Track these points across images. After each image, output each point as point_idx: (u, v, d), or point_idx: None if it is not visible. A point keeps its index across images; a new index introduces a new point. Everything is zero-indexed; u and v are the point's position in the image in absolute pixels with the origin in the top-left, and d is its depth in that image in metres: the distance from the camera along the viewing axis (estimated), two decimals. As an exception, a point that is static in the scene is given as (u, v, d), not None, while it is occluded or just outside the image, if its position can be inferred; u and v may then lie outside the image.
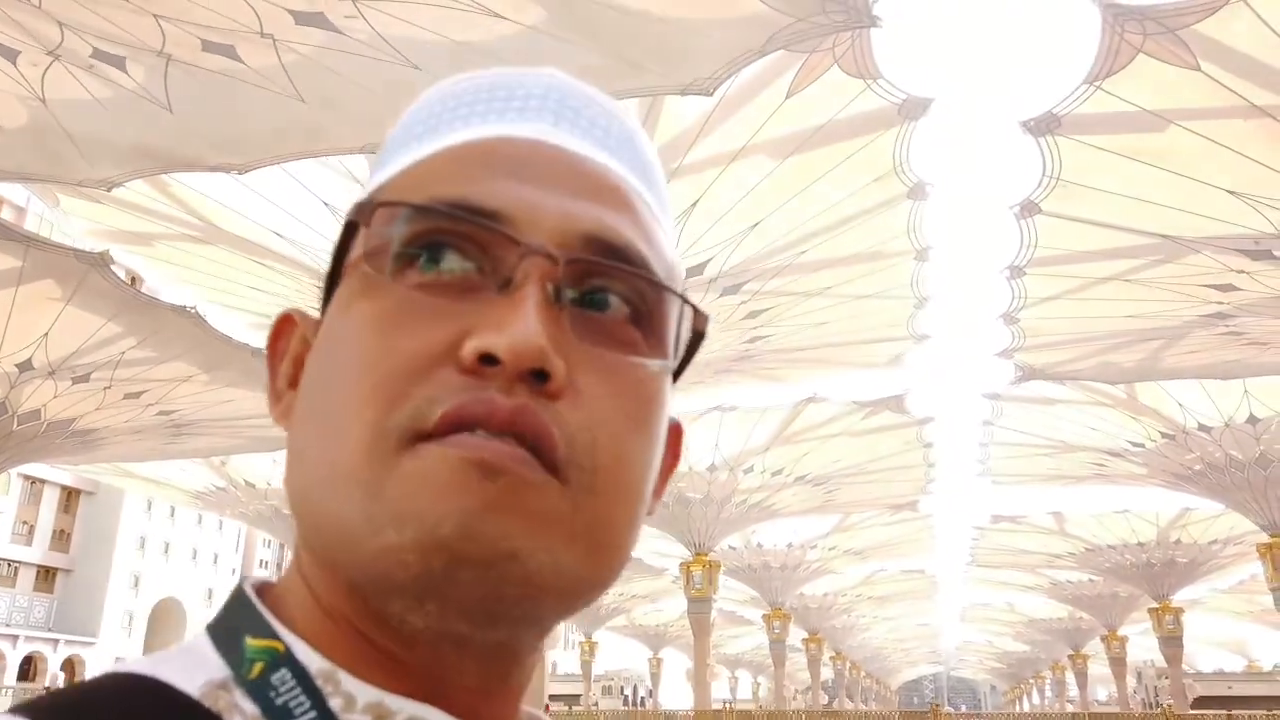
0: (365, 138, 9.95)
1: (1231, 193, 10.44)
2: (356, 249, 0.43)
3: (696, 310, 0.45)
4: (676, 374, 0.46)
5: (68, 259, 13.06)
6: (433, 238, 0.40)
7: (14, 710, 0.35)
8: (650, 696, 57.66)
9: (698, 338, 0.45)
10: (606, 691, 51.66)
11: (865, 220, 12.40)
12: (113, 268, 13.34)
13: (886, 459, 22.18)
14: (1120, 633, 39.55)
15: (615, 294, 0.42)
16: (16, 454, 16.87)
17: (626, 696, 56.06)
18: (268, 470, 23.44)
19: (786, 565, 33.05)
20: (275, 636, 0.40)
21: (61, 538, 42.84)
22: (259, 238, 12.44)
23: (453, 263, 0.40)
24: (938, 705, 24.81)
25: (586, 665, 47.21)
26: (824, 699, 51.73)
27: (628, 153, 0.48)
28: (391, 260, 0.40)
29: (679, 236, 12.21)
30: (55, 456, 18.63)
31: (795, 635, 44.99)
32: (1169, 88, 9.15)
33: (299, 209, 11.73)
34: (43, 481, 41.17)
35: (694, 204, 11.59)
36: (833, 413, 19.86)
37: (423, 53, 8.25)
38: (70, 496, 43.22)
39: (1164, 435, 19.70)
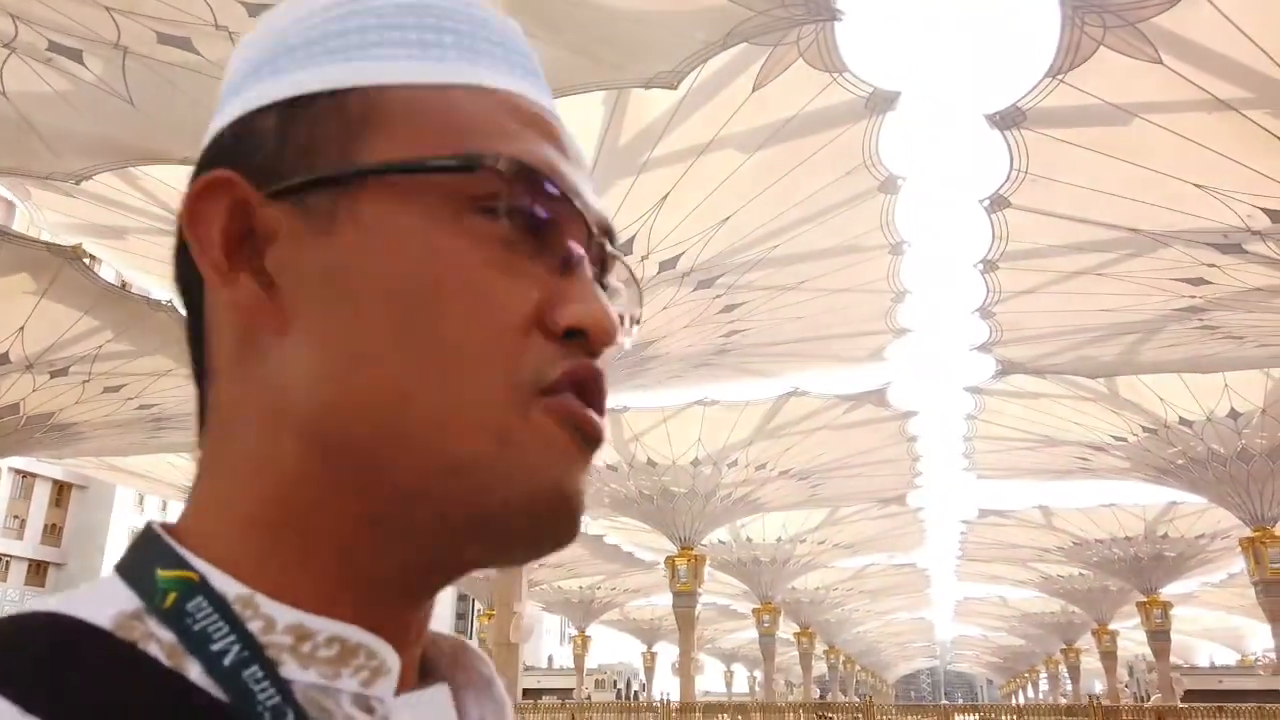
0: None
1: (1199, 186, 10.44)
2: (440, 180, 0.42)
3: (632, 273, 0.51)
4: None
5: (41, 252, 13.06)
6: (533, 202, 0.43)
7: None
8: (644, 690, 57.80)
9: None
10: (600, 685, 51.72)
11: (838, 214, 12.40)
12: (90, 262, 13.35)
13: (870, 453, 22.20)
14: (1111, 627, 39.59)
15: (607, 275, 0.48)
16: (-6, 449, 16.88)
17: (620, 690, 56.18)
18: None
19: (776, 559, 33.08)
20: (188, 567, 0.39)
21: (53, 532, 42.87)
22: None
23: (538, 228, 0.43)
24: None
25: (579, 659, 47.28)
26: (816, 693, 51.86)
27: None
28: (472, 203, 0.42)
29: (650, 230, 12.22)
30: (36, 450, 18.62)
31: (789, 629, 45.13)
32: (1131, 81, 9.15)
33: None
34: (34, 475, 41.18)
35: (664, 198, 11.59)
36: (815, 407, 19.87)
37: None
38: (62, 490, 43.23)
39: (1145, 430, 19.73)
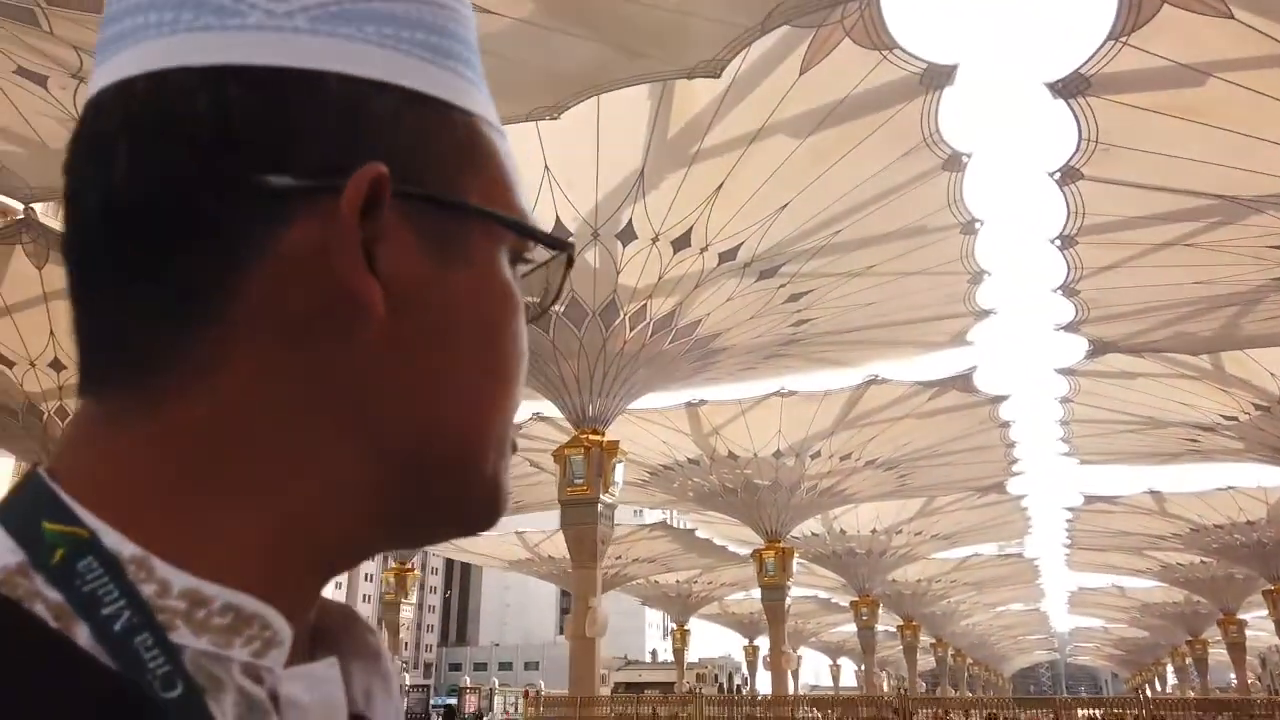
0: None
1: (1288, 146, 9.76)
2: (506, 235, 0.46)
3: None
4: None
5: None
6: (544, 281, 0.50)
7: None
8: (746, 684, 57.51)
9: None
10: (700, 679, 51.73)
11: (901, 196, 12.06)
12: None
13: (960, 440, 21.55)
14: (1240, 616, 37.52)
15: None
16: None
17: (721, 684, 56.11)
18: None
19: (872, 551, 32.51)
20: (78, 522, 0.37)
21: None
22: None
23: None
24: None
25: (679, 653, 47.41)
26: (922, 687, 50.72)
27: None
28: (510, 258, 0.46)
29: (706, 222, 12.13)
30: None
31: (894, 622, 44.25)
32: (1201, 39, 8.60)
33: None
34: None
35: (718, 189, 11.48)
36: (896, 394, 19.39)
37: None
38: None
39: (1257, 407, 18.57)
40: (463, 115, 0.44)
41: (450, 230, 0.43)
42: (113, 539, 0.37)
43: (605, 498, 13.71)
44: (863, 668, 74.67)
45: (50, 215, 12.70)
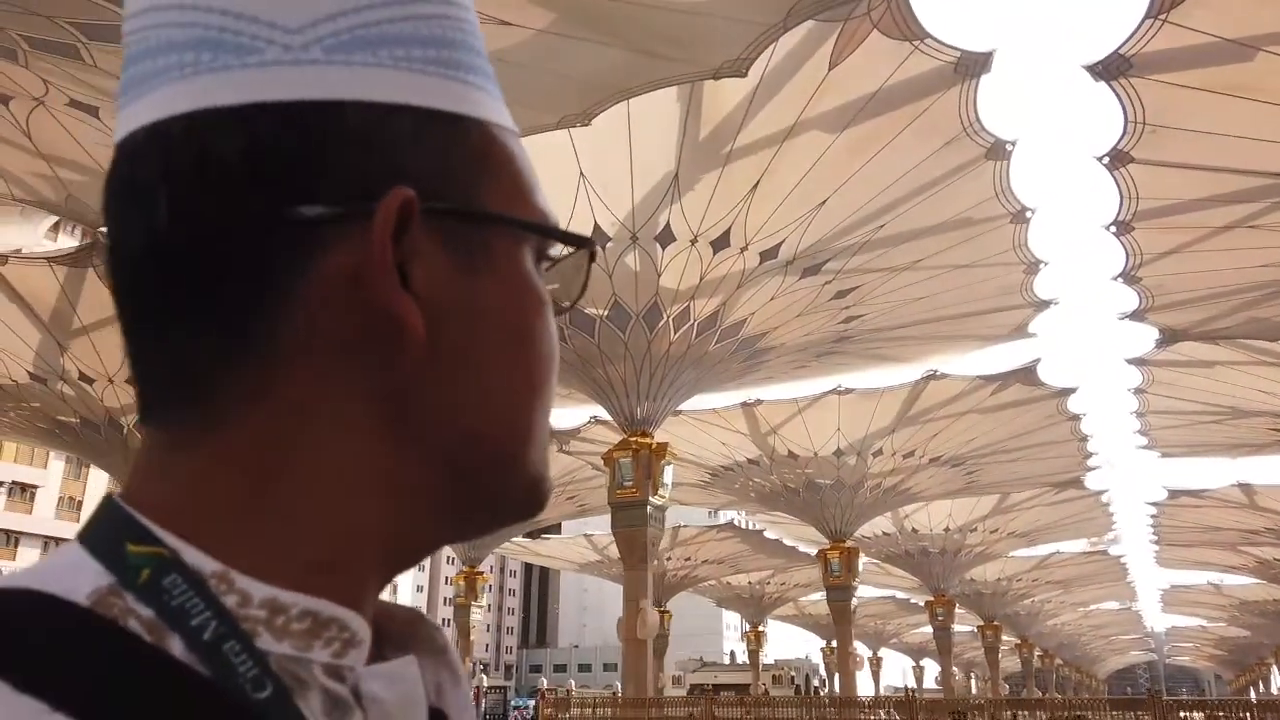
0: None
1: (1350, 119, 9.28)
2: (536, 240, 0.48)
3: None
4: None
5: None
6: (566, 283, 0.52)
7: None
8: (824, 685, 56.76)
9: None
10: (776, 681, 51.25)
11: (945, 187, 11.81)
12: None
13: (1029, 435, 20.96)
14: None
15: None
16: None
17: (799, 686, 55.52)
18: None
19: (946, 550, 31.85)
20: (159, 543, 0.40)
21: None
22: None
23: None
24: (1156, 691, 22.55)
25: (754, 655, 47.11)
26: (1005, 690, 49.37)
27: None
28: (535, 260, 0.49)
29: (745, 222, 12.07)
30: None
31: (974, 623, 43.21)
32: (1245, 11, 8.24)
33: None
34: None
35: (754, 187, 11.42)
36: (957, 389, 18.95)
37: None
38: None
39: (1347, 394, 17.67)
40: (476, 124, 0.45)
41: (475, 240, 0.45)
42: (194, 556, 0.40)
43: (654, 500, 13.74)
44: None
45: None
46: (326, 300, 0.42)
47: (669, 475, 14.19)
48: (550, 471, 0.49)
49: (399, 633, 0.49)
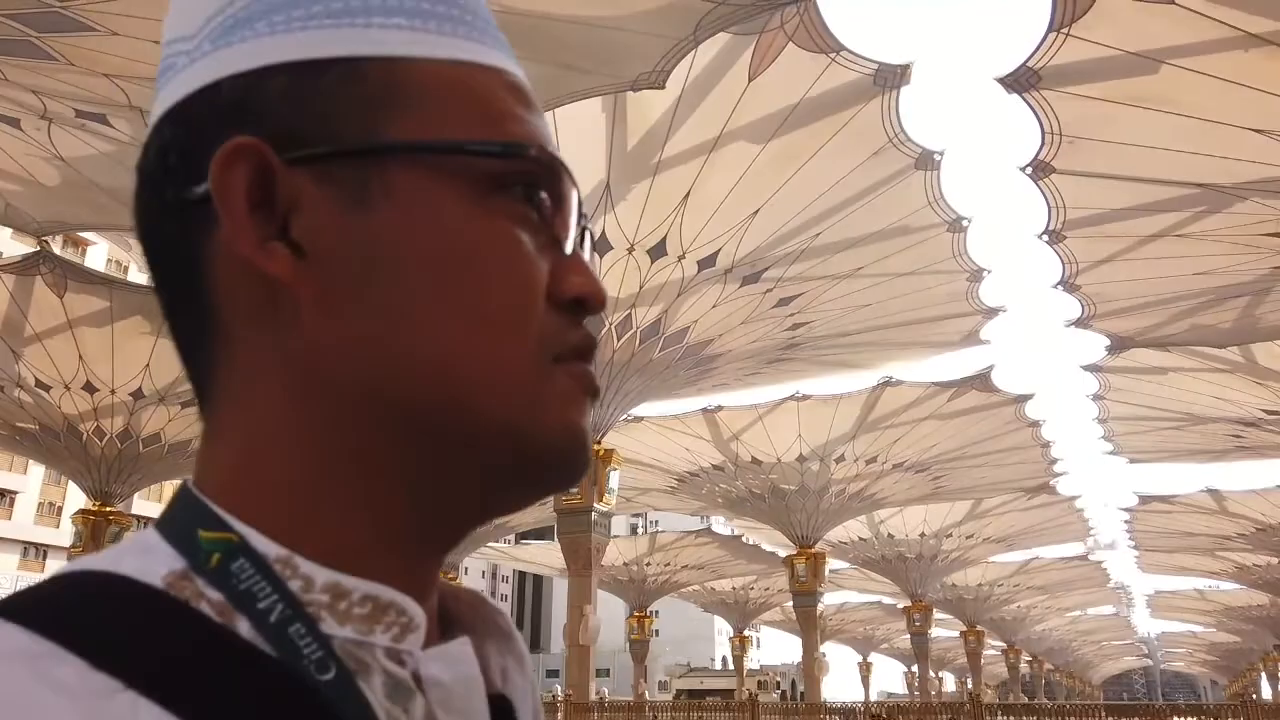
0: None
1: (1260, 131, 9.40)
2: (462, 160, 0.45)
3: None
4: None
5: (147, 296, 14.51)
6: (533, 178, 0.47)
7: None
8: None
9: None
10: (762, 686, 51.27)
11: (877, 196, 11.95)
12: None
13: (990, 441, 21.07)
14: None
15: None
16: (147, 474, 18.79)
17: (784, 691, 55.53)
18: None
19: (922, 555, 31.91)
20: (228, 528, 0.41)
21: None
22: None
23: (542, 206, 0.47)
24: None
25: (739, 660, 47.13)
26: (989, 694, 49.35)
27: None
28: (492, 183, 0.45)
29: (679, 230, 12.20)
30: (182, 475, 20.55)
31: (959, 628, 43.25)
32: (1145, 25, 8.36)
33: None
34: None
35: (685, 197, 11.55)
36: (913, 396, 19.07)
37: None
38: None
39: (1299, 401, 17.76)
40: (378, 63, 0.45)
41: (369, 176, 0.44)
42: (260, 541, 0.41)
43: (599, 506, 13.85)
44: (938, 675, 73.29)
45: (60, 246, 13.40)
46: (225, 274, 0.43)
47: (614, 481, 14.29)
48: (576, 413, 0.46)
49: (463, 615, 0.51)
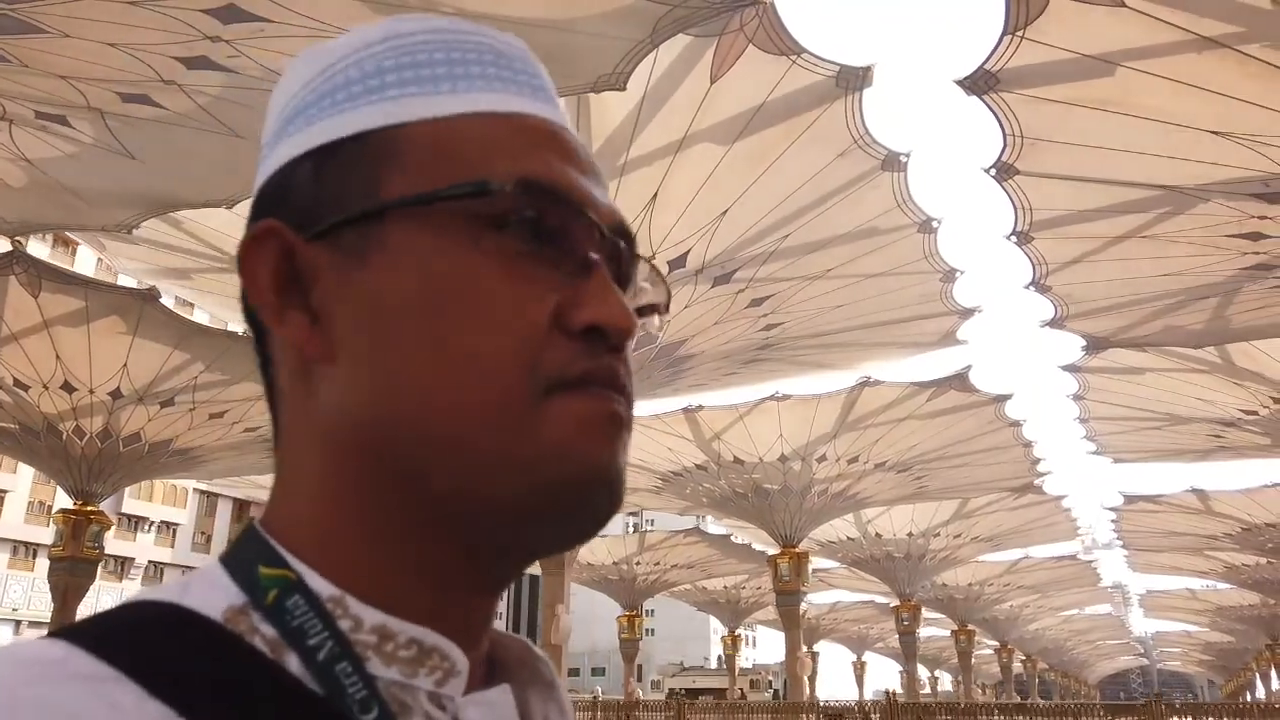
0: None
1: (1216, 133, 9.44)
2: (452, 204, 0.46)
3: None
4: None
5: (123, 297, 14.54)
6: (540, 214, 0.47)
7: (55, 636, 0.39)
8: (804, 689, 56.73)
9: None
10: (754, 685, 51.38)
11: (844, 198, 11.98)
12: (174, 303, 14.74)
13: (971, 441, 21.10)
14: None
15: (629, 269, 0.52)
16: (127, 474, 18.81)
17: (777, 690, 55.61)
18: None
19: (910, 555, 31.97)
20: (286, 566, 0.44)
21: (236, 546, 46.97)
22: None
23: (549, 236, 0.47)
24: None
25: (730, 659, 47.23)
26: (980, 693, 49.37)
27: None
28: (488, 222, 0.46)
29: (648, 232, 12.24)
30: (164, 474, 20.59)
31: (950, 627, 43.30)
32: (1098, 29, 8.39)
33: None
34: (216, 495, 45.39)
35: (652, 198, 11.58)
36: (893, 396, 19.11)
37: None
38: (242, 508, 47.38)
39: (1276, 400, 17.81)
40: (380, 131, 0.48)
41: (368, 236, 0.47)
42: (315, 580, 0.43)
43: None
44: (935, 674, 73.29)
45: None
46: (273, 340, 0.50)
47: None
48: (580, 442, 0.45)
49: (509, 662, 0.51)
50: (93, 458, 17.79)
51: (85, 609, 40.33)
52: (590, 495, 0.45)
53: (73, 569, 18.00)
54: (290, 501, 0.47)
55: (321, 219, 0.47)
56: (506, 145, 0.48)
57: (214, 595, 0.43)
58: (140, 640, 0.39)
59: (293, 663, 0.41)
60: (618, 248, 0.50)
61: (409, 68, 0.49)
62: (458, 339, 0.44)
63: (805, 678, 58.42)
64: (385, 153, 0.47)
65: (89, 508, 18.23)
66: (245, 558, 0.45)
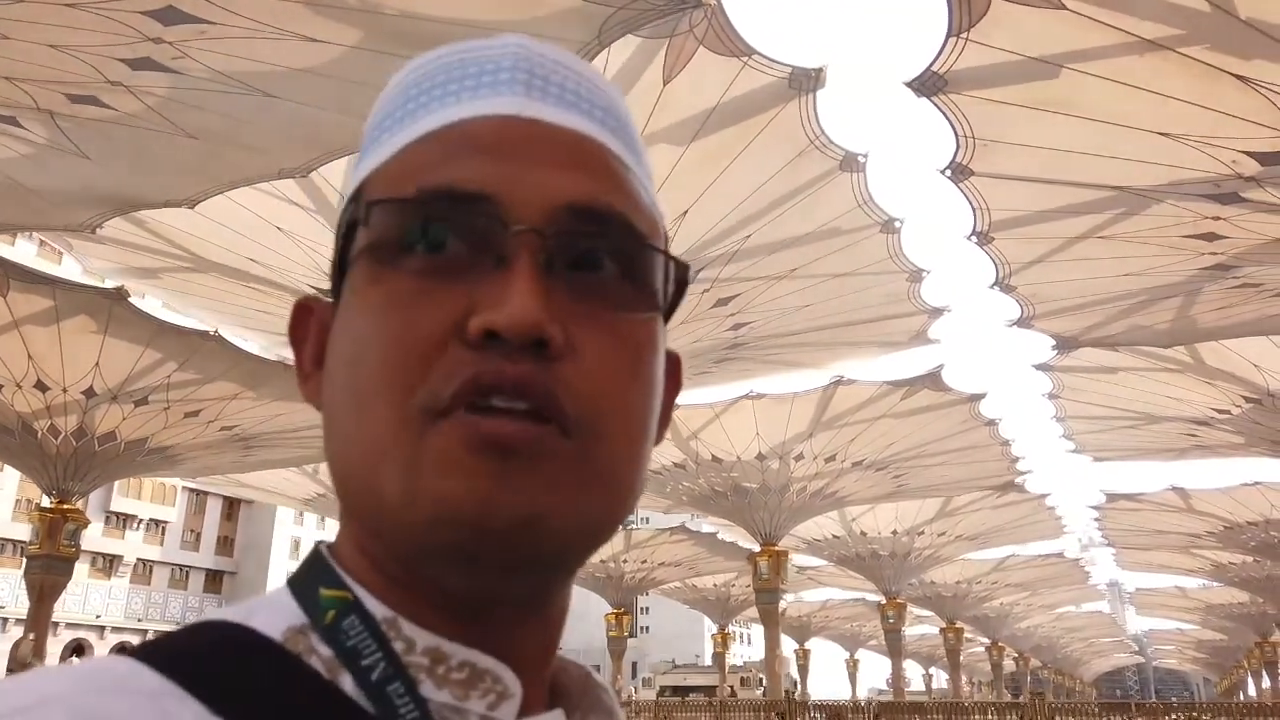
0: (277, 164, 10.62)
1: (1165, 135, 9.48)
2: (359, 242, 0.46)
3: (677, 261, 0.49)
4: (666, 316, 0.50)
5: (92, 296, 14.58)
6: (427, 225, 0.44)
7: (125, 652, 0.40)
8: (796, 687, 56.87)
9: (681, 283, 0.49)
10: (744, 683, 51.44)
11: (804, 198, 12.02)
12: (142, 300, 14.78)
13: (948, 439, 21.16)
14: (1302, 618, 35.84)
15: (604, 254, 0.46)
16: (104, 472, 18.85)
17: (767, 688, 55.65)
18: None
19: (895, 553, 32.05)
20: (345, 587, 0.45)
21: (225, 544, 47.20)
22: (239, 264, 13.43)
23: (449, 246, 0.44)
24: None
25: (720, 657, 47.26)
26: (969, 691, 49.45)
27: (600, 113, 0.50)
28: (393, 250, 0.44)
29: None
30: (141, 472, 20.64)
31: (939, 625, 43.38)
32: (1040, 31, 8.43)
33: (259, 234, 12.59)
34: (205, 493, 45.44)
35: (611, 198, 11.61)
36: (867, 395, 19.16)
37: (268, 82, 8.77)
38: (231, 506, 47.49)
39: (1248, 400, 17.86)
40: (369, 176, 0.49)
41: (343, 289, 0.48)
42: (372, 602, 0.44)
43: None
44: (930, 671, 73.32)
45: None
46: None
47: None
48: (455, 478, 0.41)
49: (569, 688, 0.51)
50: (68, 456, 17.83)
51: (74, 606, 40.49)
52: (471, 540, 0.41)
53: (49, 567, 18.04)
54: (350, 527, 0.48)
55: (333, 279, 0.49)
56: (428, 162, 0.46)
57: (276, 616, 0.44)
58: (203, 659, 0.40)
59: (347, 683, 0.41)
60: (571, 232, 0.44)
61: (389, 115, 0.49)
62: (351, 385, 0.44)
63: (785, 675, 58.49)
64: (358, 201, 0.47)
65: (66, 506, 18.28)
66: (309, 580, 0.46)
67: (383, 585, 0.45)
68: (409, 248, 0.44)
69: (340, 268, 0.48)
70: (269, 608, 0.44)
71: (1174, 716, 20.77)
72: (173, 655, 0.40)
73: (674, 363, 0.53)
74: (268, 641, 0.42)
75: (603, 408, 0.43)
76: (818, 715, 22.31)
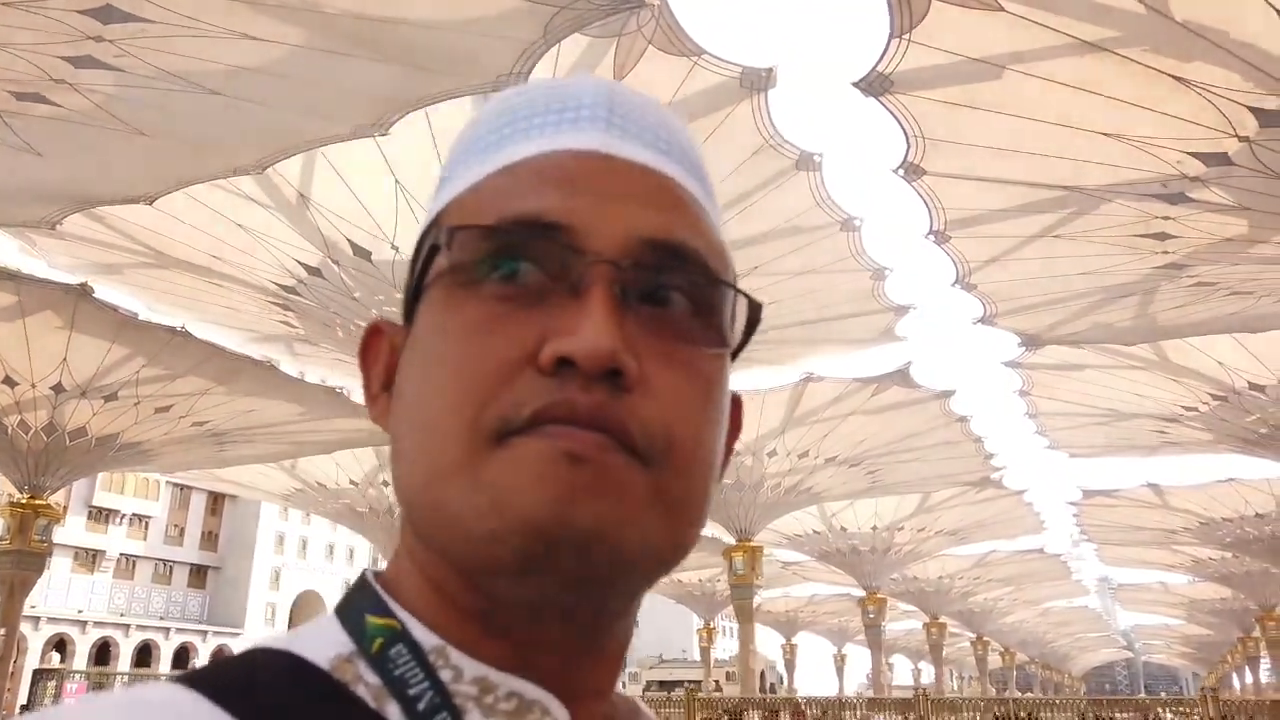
0: (231, 161, 10.65)
1: (1109, 135, 9.56)
2: (437, 267, 0.47)
3: (749, 298, 0.49)
4: (736, 353, 0.50)
5: (55, 292, 14.58)
6: (507, 252, 0.45)
7: (176, 680, 0.40)
8: (782, 683, 57.04)
9: (753, 321, 0.50)
10: (729, 678, 51.60)
11: (761, 197, 12.08)
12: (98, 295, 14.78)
13: (920, 436, 21.26)
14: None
15: (676, 290, 0.46)
16: (75, 468, 18.84)
17: (742, 683, 55.80)
18: (333, 471, 24.97)
19: (875, 548, 32.18)
20: (392, 615, 0.45)
21: (209, 539, 47.15)
22: (202, 261, 13.45)
23: (526, 274, 0.45)
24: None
25: (705, 651, 47.39)
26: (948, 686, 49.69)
27: (678, 152, 0.52)
28: (471, 275, 0.45)
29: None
30: (114, 467, 20.62)
31: (922, 619, 43.58)
32: (980, 33, 8.50)
33: (220, 230, 12.61)
34: (190, 488, 45.40)
35: (567, 196, 11.65)
36: (836, 391, 19.24)
37: (215, 80, 8.80)
38: (216, 501, 47.43)
39: (1214, 397, 17.98)
40: (449, 204, 0.50)
41: (414, 315, 0.49)
42: (419, 630, 0.44)
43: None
44: (918, 665, 73.57)
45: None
46: None
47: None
48: (521, 495, 0.41)
49: None
50: (39, 451, 17.82)
51: (57, 600, 40.35)
52: (543, 551, 0.40)
53: (20, 562, 18.04)
54: (400, 556, 0.48)
55: (406, 303, 0.50)
56: (506, 193, 0.47)
57: (323, 643, 0.44)
58: (251, 686, 0.40)
59: (393, 712, 0.41)
60: (646, 265, 0.45)
61: (473, 142, 0.51)
62: (424, 404, 0.45)
63: (771, 669, 58.37)
64: (438, 230, 0.47)
65: (38, 501, 18.28)
66: (356, 607, 0.46)
67: (437, 608, 0.45)
68: (487, 274, 0.45)
69: (415, 292, 0.49)
70: (316, 636, 0.45)
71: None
72: (222, 681, 0.40)
73: (736, 405, 0.53)
74: (316, 670, 0.42)
75: (674, 440, 0.43)
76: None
